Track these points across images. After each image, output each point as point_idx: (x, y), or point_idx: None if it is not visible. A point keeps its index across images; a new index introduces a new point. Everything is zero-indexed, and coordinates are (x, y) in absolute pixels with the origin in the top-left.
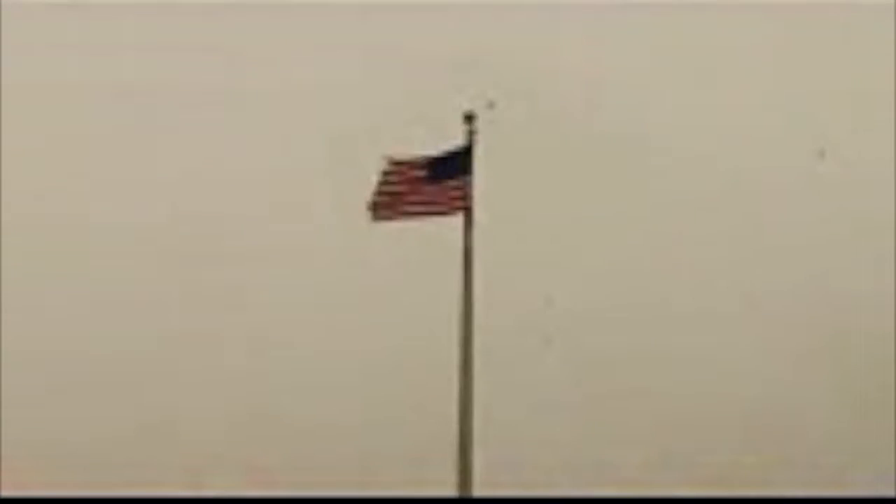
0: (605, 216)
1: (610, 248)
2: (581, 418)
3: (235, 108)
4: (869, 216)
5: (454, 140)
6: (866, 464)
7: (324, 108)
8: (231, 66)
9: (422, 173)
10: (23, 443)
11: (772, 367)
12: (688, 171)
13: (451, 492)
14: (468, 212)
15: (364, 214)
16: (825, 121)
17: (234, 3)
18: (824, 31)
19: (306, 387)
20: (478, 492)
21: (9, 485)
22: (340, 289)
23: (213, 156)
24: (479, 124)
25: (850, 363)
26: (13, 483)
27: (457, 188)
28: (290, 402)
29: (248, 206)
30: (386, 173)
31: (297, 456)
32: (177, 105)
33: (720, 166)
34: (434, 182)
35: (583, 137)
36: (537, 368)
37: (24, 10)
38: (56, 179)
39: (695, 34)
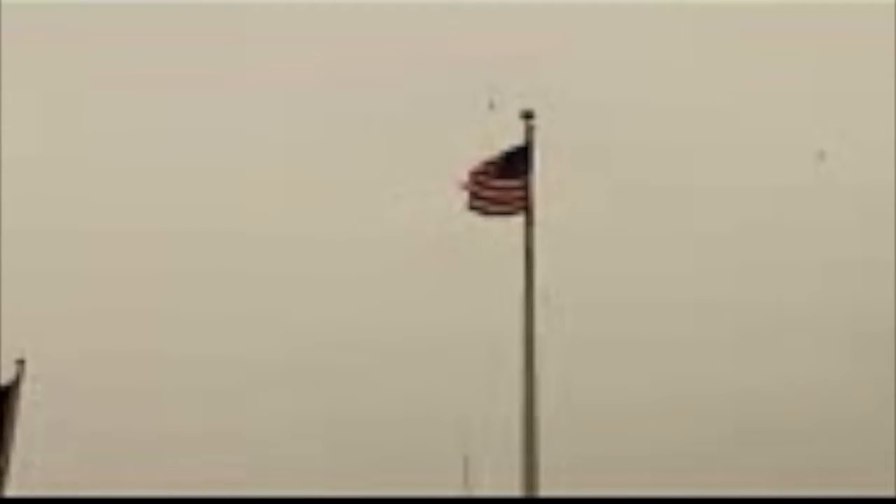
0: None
1: (619, 245)
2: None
3: (286, 102)
4: (869, 215)
5: (461, 143)
6: (866, 463)
7: (365, 104)
8: (277, 64)
9: (490, 172)
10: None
11: (770, 367)
12: (690, 172)
13: (453, 490)
14: (529, 211)
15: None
16: (825, 121)
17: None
18: (824, 31)
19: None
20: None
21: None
22: (396, 285)
23: (259, 152)
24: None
25: (851, 363)
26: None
27: (518, 188)
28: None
29: (250, 212)
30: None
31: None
32: (206, 100)
33: (723, 166)
34: (500, 179)
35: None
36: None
37: (25, 9)
38: (72, 172)
39: (694, 35)
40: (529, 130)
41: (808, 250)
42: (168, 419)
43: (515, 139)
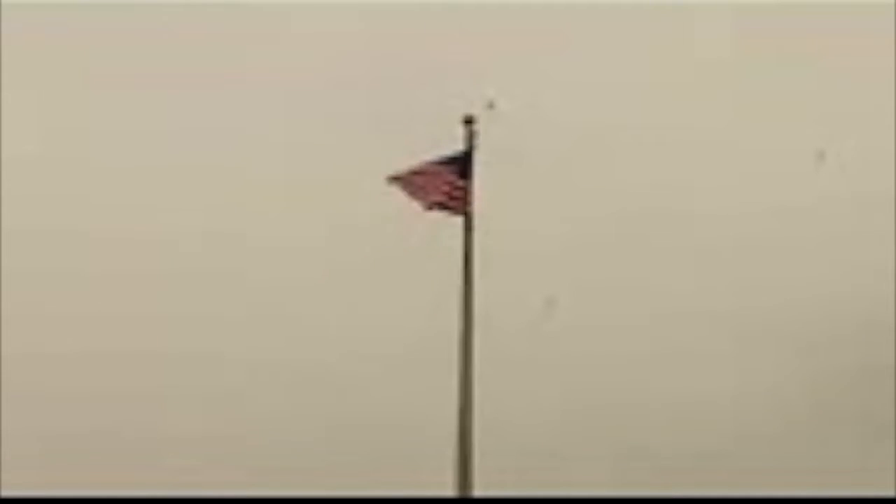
0: (599, 220)
1: (609, 252)
2: (577, 419)
3: (286, 102)
4: (869, 216)
5: (453, 145)
6: (866, 464)
7: (326, 110)
8: (229, 76)
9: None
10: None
11: (769, 368)
12: (684, 173)
13: (449, 492)
14: (468, 216)
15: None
16: (825, 122)
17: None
18: (824, 31)
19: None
20: (477, 492)
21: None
22: (341, 287)
23: (202, 165)
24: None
25: (850, 364)
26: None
27: (460, 188)
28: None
29: (243, 214)
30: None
31: (300, 455)
32: (206, 100)
33: (717, 168)
34: (445, 171)
35: (575, 137)
36: (536, 370)
37: (25, 9)
38: (68, 172)
39: (693, 35)
40: (470, 136)
41: (806, 258)
42: (168, 419)
43: (512, 141)
